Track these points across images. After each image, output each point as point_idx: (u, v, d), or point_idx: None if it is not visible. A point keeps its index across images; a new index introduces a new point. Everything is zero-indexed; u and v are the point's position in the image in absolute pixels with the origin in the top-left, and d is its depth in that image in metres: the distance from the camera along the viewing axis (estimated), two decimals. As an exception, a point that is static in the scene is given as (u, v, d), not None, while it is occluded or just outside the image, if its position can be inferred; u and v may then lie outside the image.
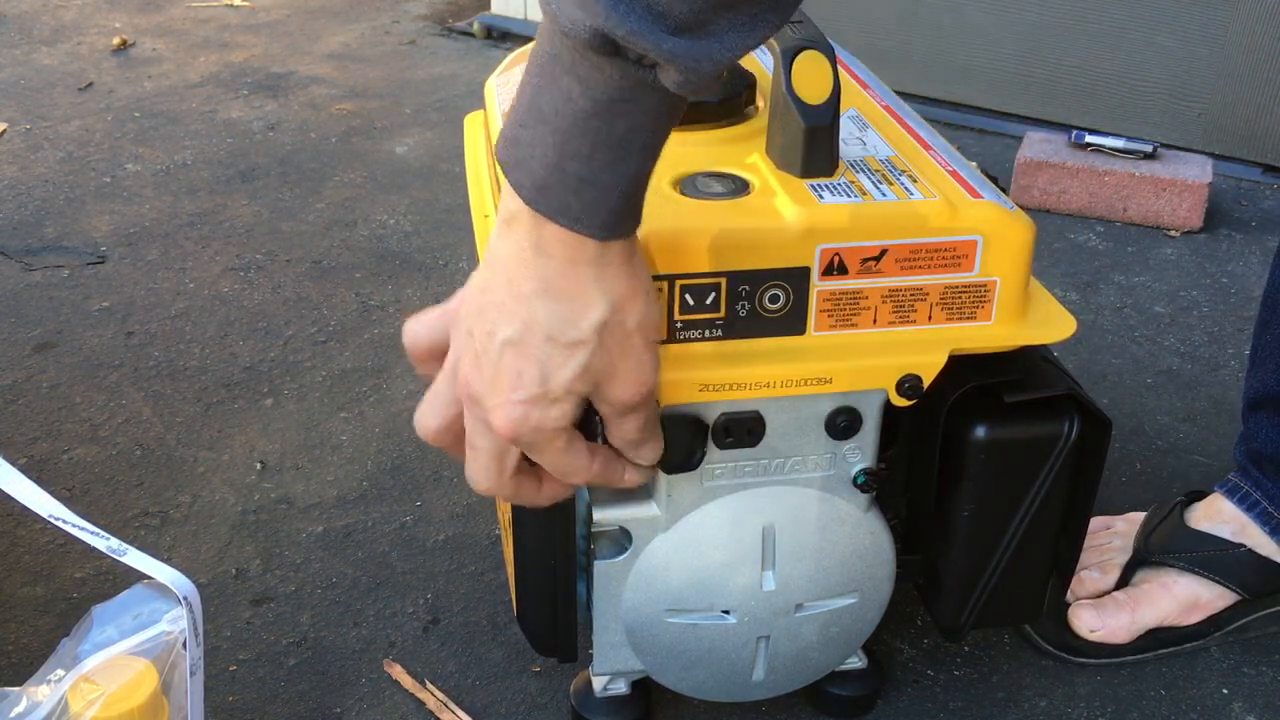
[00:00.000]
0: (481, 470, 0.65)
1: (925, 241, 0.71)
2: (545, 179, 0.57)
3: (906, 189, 0.73)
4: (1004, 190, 0.76)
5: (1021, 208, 0.74)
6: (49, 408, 1.25)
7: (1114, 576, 0.99)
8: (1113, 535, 1.03)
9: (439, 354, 0.66)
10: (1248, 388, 1.00)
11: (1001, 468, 0.77)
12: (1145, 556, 0.99)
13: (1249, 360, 1.01)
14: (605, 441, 0.68)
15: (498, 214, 0.61)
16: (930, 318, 0.73)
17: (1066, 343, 0.75)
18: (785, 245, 0.69)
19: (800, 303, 0.71)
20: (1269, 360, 0.98)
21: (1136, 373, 1.35)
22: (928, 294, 0.72)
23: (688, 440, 0.72)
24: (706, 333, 0.70)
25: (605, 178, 0.57)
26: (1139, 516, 1.04)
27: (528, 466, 0.66)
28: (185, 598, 0.68)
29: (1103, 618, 0.96)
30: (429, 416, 0.66)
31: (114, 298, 1.44)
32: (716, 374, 0.70)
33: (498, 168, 0.81)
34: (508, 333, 0.60)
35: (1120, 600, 0.97)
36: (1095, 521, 1.04)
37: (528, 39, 2.24)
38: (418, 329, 0.67)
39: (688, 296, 0.69)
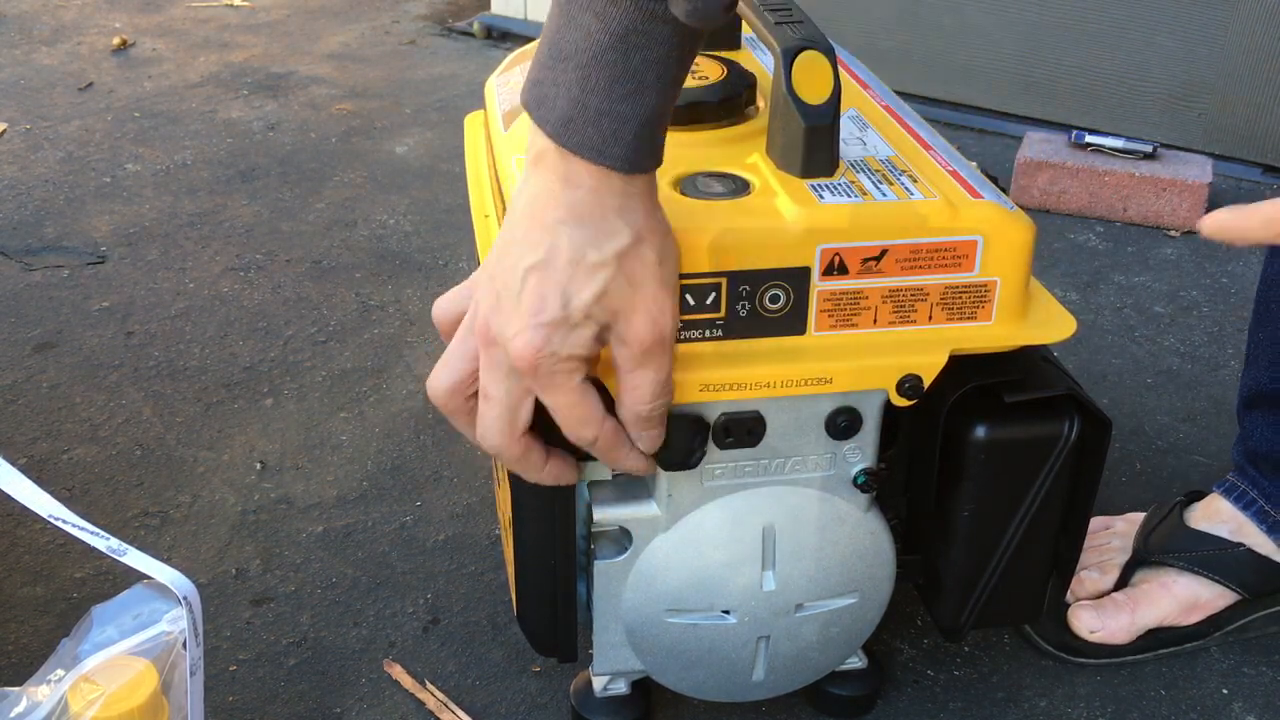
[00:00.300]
0: (494, 423, 0.66)
1: (925, 241, 0.71)
2: (569, 113, 0.60)
3: (907, 189, 0.73)
4: (1004, 190, 0.76)
5: (1021, 208, 0.74)
6: (49, 408, 1.25)
7: (1113, 577, 0.99)
8: (1112, 535, 1.03)
9: None
10: (1242, 386, 1.00)
11: (1001, 468, 0.77)
12: (1145, 556, 0.99)
13: (1245, 359, 1.01)
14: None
15: (527, 156, 0.63)
16: (930, 318, 0.73)
17: (1066, 343, 0.75)
18: (786, 245, 0.69)
19: (800, 303, 0.71)
20: (1262, 358, 0.98)
21: (1136, 373, 1.35)
22: (928, 294, 0.72)
23: (688, 438, 0.72)
24: (707, 333, 0.70)
25: (623, 109, 0.59)
26: (1138, 517, 1.04)
27: (538, 439, 0.67)
28: (185, 598, 0.68)
29: (1102, 619, 0.96)
30: (441, 375, 0.68)
31: (114, 298, 1.44)
32: (717, 374, 0.70)
33: (499, 169, 0.81)
34: (531, 260, 0.62)
35: (1120, 601, 0.97)
36: (1095, 522, 1.04)
37: (528, 39, 2.24)
38: (444, 303, 0.70)
39: (688, 296, 0.69)
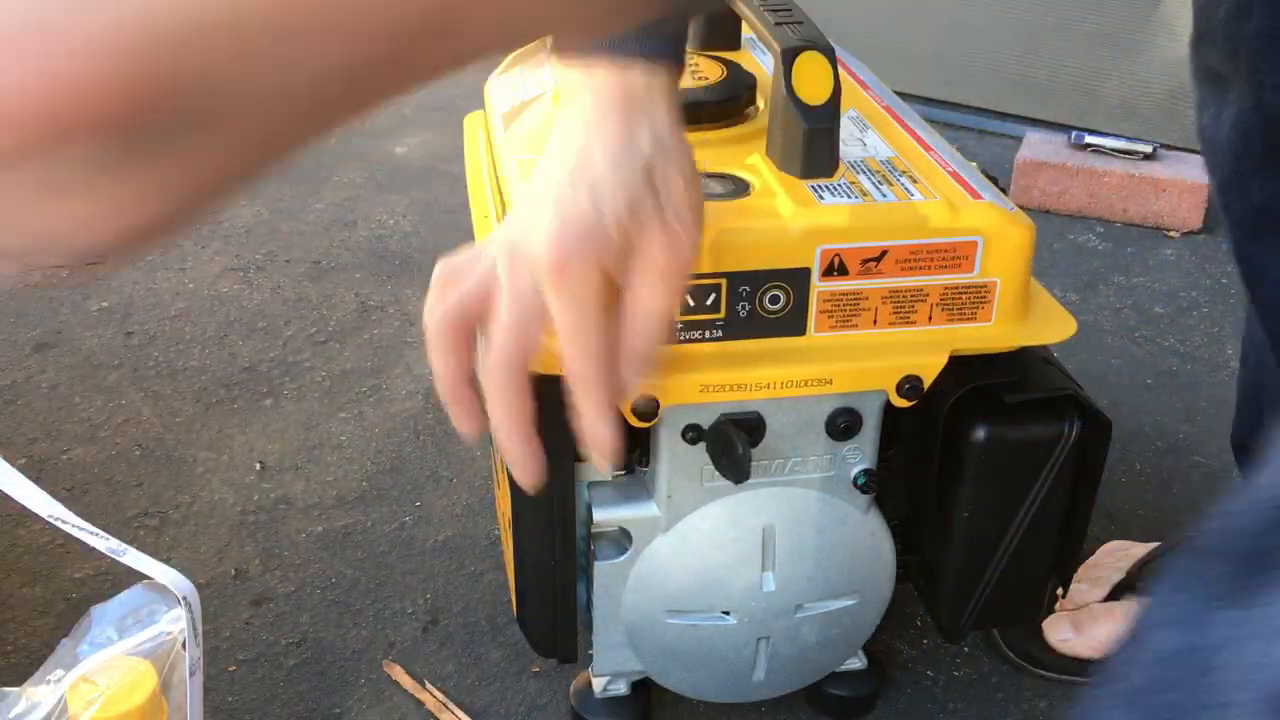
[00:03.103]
0: (505, 338, 0.63)
1: (925, 242, 0.71)
2: (568, 28, 0.62)
3: (907, 190, 0.73)
4: (1004, 191, 0.76)
5: (1021, 208, 0.74)
6: (49, 408, 1.25)
7: (1102, 592, 0.98)
8: (1121, 558, 1.01)
9: None
10: (1234, 430, 0.99)
11: (1002, 468, 0.77)
12: (1130, 582, 0.98)
13: (1236, 404, 1.00)
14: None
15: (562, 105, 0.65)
16: (930, 319, 0.73)
17: (1066, 343, 0.75)
18: (786, 246, 0.69)
19: (801, 304, 0.71)
20: (1244, 405, 0.97)
21: (1136, 373, 1.35)
22: (928, 295, 0.72)
23: (737, 443, 0.72)
24: (707, 333, 0.70)
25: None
26: None
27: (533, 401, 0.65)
28: (185, 598, 0.68)
29: (1075, 629, 0.95)
30: (445, 297, 0.66)
31: (114, 298, 1.44)
32: (717, 375, 0.70)
33: (498, 169, 0.81)
34: (563, 174, 0.62)
35: (1095, 612, 0.96)
36: (1114, 544, 1.03)
37: (528, 39, 2.23)
38: (447, 258, 0.70)
39: (688, 297, 0.69)
